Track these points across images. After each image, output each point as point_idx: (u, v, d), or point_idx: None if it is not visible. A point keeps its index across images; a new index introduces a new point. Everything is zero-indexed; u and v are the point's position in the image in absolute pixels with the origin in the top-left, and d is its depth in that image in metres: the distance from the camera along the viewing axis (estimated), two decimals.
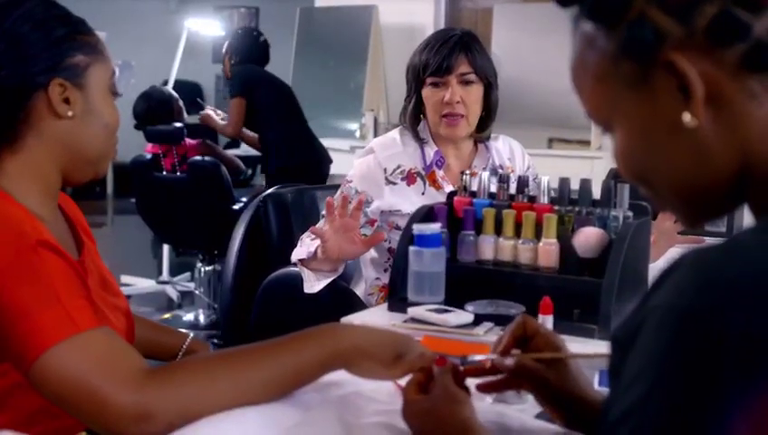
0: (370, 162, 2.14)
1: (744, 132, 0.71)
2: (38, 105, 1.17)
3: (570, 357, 1.04)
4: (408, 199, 2.09)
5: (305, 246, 1.93)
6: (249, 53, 4.40)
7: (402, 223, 2.07)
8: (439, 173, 2.13)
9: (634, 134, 0.76)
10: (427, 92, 2.09)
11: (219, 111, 4.57)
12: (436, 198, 2.05)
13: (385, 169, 2.12)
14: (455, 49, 2.05)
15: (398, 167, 2.13)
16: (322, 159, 4.45)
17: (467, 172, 1.81)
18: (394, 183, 2.12)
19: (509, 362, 1.05)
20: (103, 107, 1.22)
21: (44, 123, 1.17)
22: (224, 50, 4.50)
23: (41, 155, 1.18)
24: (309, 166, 4.30)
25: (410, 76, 2.13)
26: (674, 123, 0.72)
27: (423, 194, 2.11)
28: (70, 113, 1.18)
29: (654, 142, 0.75)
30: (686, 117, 0.71)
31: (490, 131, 2.19)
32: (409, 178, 2.12)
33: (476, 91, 2.08)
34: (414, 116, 2.15)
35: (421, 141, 2.15)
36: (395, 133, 2.21)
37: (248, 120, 4.35)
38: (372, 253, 2.16)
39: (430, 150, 2.14)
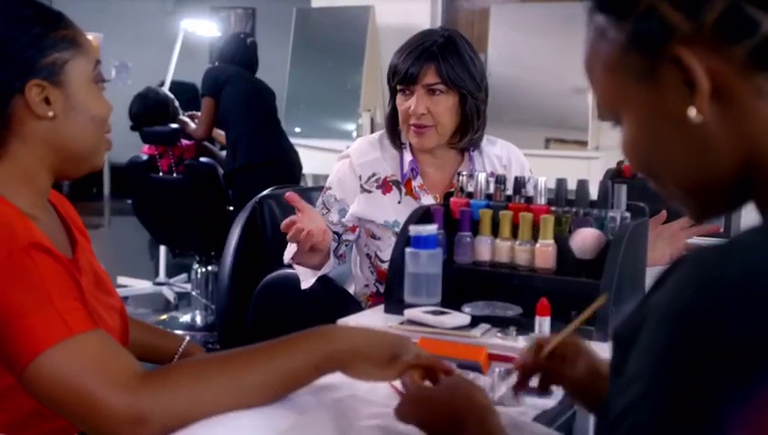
0: (346, 168, 2.08)
1: (750, 129, 0.71)
2: (17, 110, 1.14)
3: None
4: (383, 208, 2.03)
5: (293, 244, 1.92)
6: (232, 55, 4.36)
7: (378, 232, 2.05)
8: (416, 182, 2.04)
9: (641, 126, 0.77)
10: (397, 99, 2.02)
11: (199, 113, 4.52)
12: (413, 207, 1.99)
13: (360, 177, 2.05)
14: (422, 58, 1.94)
15: (374, 175, 2.05)
16: (286, 160, 4.31)
17: (464, 173, 1.80)
18: (369, 191, 2.05)
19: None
20: (88, 100, 1.19)
21: (27, 127, 1.15)
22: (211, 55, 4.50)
23: (28, 158, 1.16)
24: (270, 166, 4.20)
25: (388, 80, 2.05)
26: (680, 117, 0.72)
27: (399, 203, 2.03)
28: (50, 113, 1.15)
29: (660, 135, 0.75)
30: (692, 112, 0.71)
31: (468, 141, 2.03)
32: (385, 186, 2.05)
33: (445, 102, 1.96)
34: (392, 120, 2.06)
35: (401, 147, 2.07)
36: (376, 136, 2.13)
37: (218, 119, 4.30)
38: (356, 254, 2.15)
39: (407, 158, 2.06)
